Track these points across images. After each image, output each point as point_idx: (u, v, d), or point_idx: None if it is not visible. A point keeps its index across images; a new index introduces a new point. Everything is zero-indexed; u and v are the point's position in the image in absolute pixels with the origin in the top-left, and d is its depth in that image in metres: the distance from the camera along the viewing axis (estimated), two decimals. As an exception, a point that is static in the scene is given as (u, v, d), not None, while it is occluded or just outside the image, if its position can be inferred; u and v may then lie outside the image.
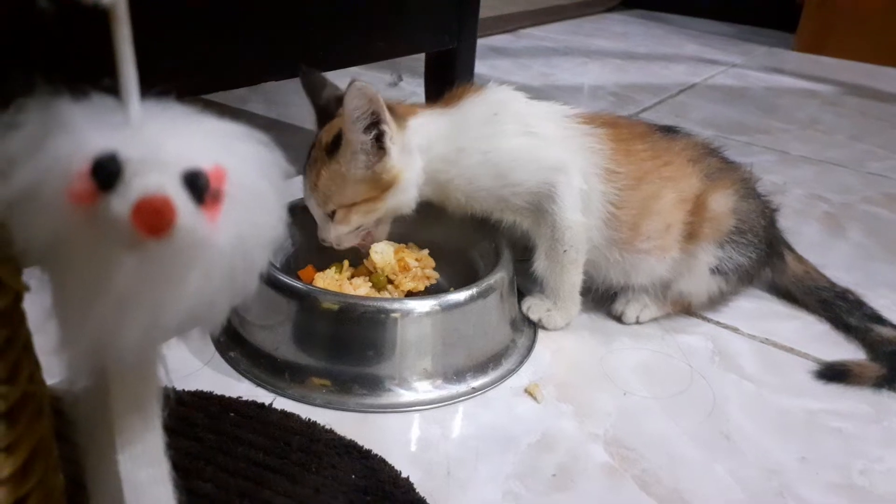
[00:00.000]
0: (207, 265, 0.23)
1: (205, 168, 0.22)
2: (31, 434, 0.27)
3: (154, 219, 0.20)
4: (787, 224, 1.16)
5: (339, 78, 1.66)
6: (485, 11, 1.38)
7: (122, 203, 0.21)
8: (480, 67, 1.99)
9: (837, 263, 1.02)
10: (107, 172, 0.20)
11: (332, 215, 0.75)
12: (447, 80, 1.19)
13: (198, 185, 0.22)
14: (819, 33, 2.60)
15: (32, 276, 0.26)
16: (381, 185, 0.73)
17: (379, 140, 0.72)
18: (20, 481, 0.27)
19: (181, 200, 0.21)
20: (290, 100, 1.54)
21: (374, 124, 0.71)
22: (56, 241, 0.22)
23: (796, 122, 1.74)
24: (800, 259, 0.92)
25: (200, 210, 0.22)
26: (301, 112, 1.45)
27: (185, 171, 0.21)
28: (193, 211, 0.22)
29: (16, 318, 0.27)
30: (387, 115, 0.71)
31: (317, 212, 0.76)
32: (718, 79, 2.11)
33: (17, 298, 0.27)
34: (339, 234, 0.75)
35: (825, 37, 2.59)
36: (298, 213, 0.81)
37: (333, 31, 0.96)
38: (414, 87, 1.70)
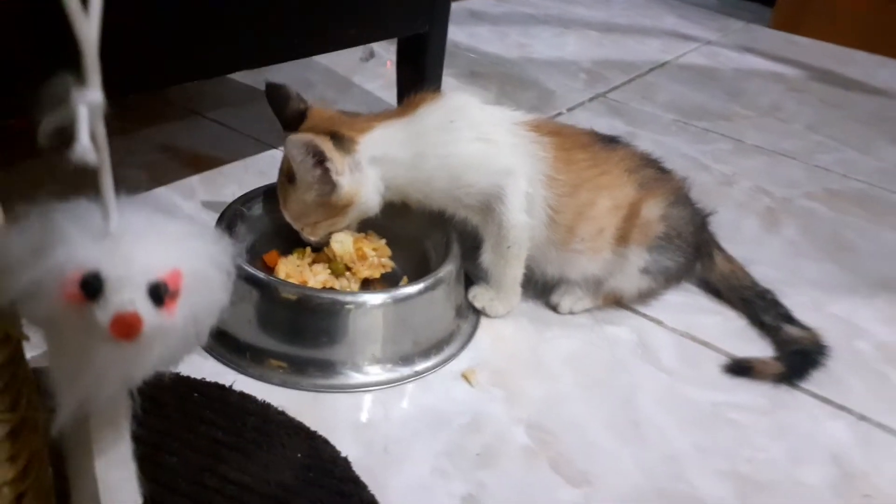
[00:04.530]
0: (167, 340, 0.30)
1: (165, 277, 0.29)
2: (29, 446, 0.35)
3: (126, 329, 0.28)
4: (729, 217, 1.25)
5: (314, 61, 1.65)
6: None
7: (103, 315, 0.28)
8: (458, 35, 2.03)
9: (767, 259, 1.11)
10: (92, 288, 0.27)
11: (302, 229, 0.83)
12: (419, 62, 1.24)
13: (159, 294, 0.29)
14: (795, 12, 2.63)
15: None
16: (340, 207, 0.81)
17: (326, 173, 0.79)
18: (20, 482, 0.34)
19: (146, 311, 0.28)
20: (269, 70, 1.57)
21: (321, 161, 0.79)
22: (52, 321, 0.29)
23: (758, 109, 1.80)
24: (728, 259, 1.00)
25: (161, 309, 0.29)
26: (279, 79, 1.49)
27: (150, 285, 0.28)
28: (155, 314, 0.29)
29: (17, 359, 0.34)
30: (328, 152, 0.79)
31: (292, 224, 0.85)
32: (690, 57, 2.15)
33: (19, 345, 0.34)
34: (314, 240, 0.85)
35: (801, 16, 2.63)
36: (268, 199, 0.88)
37: (307, 17, 1.00)
38: (391, 55, 1.74)
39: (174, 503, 0.53)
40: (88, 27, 0.25)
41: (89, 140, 0.25)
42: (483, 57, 1.89)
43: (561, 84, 1.75)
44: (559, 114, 1.56)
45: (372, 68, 1.68)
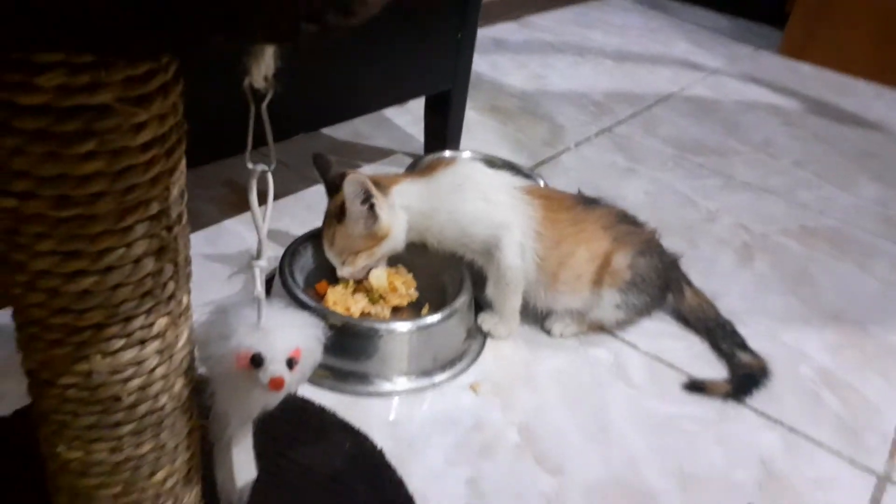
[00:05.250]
0: (291, 387, 0.52)
1: (294, 353, 0.51)
2: (195, 440, 0.57)
3: (277, 386, 0.49)
4: (707, 252, 1.44)
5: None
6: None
7: (264, 377, 0.50)
8: (481, 65, 2.22)
9: (736, 292, 1.30)
10: (257, 362, 0.49)
11: (344, 262, 1.04)
12: (444, 112, 1.45)
13: (291, 364, 0.51)
14: (803, 39, 2.78)
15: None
16: (377, 238, 1.02)
17: (371, 208, 1.00)
18: (190, 461, 0.56)
19: (285, 374, 0.50)
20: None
21: (367, 199, 1.00)
22: (227, 376, 0.51)
23: (751, 144, 1.97)
24: (697, 293, 1.20)
25: (291, 372, 0.51)
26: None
27: (287, 359, 0.50)
28: (288, 374, 0.51)
29: (192, 394, 0.56)
30: (374, 191, 0.99)
31: (335, 261, 1.05)
32: (696, 89, 2.32)
33: (197, 385, 0.56)
34: (350, 272, 1.05)
35: (809, 43, 2.77)
36: (315, 240, 1.10)
37: (361, 85, 1.22)
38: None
39: (259, 479, 0.74)
40: (263, 222, 0.46)
41: (261, 287, 0.48)
42: (502, 89, 2.09)
43: (571, 118, 1.95)
44: (566, 149, 1.76)
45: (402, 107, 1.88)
